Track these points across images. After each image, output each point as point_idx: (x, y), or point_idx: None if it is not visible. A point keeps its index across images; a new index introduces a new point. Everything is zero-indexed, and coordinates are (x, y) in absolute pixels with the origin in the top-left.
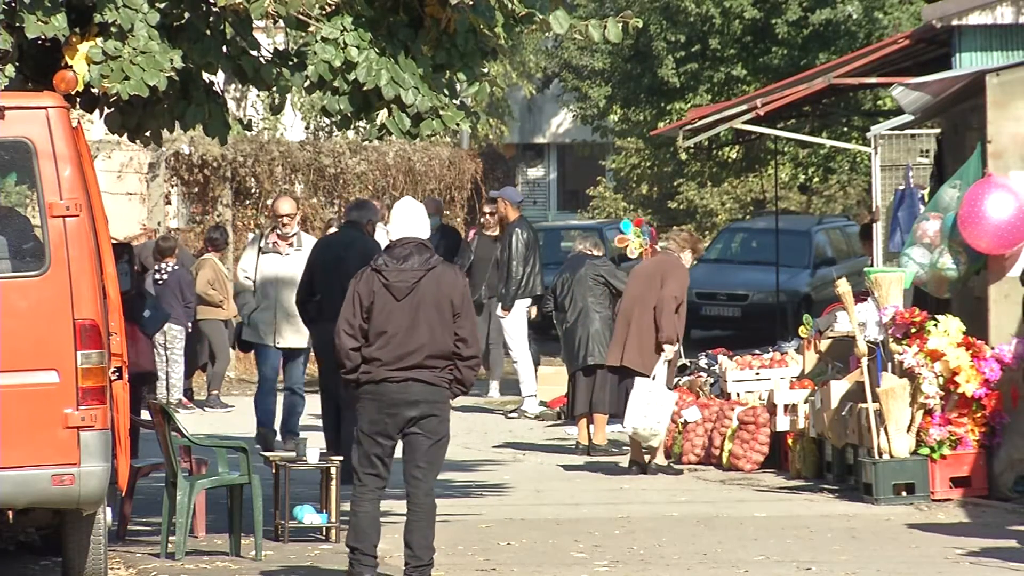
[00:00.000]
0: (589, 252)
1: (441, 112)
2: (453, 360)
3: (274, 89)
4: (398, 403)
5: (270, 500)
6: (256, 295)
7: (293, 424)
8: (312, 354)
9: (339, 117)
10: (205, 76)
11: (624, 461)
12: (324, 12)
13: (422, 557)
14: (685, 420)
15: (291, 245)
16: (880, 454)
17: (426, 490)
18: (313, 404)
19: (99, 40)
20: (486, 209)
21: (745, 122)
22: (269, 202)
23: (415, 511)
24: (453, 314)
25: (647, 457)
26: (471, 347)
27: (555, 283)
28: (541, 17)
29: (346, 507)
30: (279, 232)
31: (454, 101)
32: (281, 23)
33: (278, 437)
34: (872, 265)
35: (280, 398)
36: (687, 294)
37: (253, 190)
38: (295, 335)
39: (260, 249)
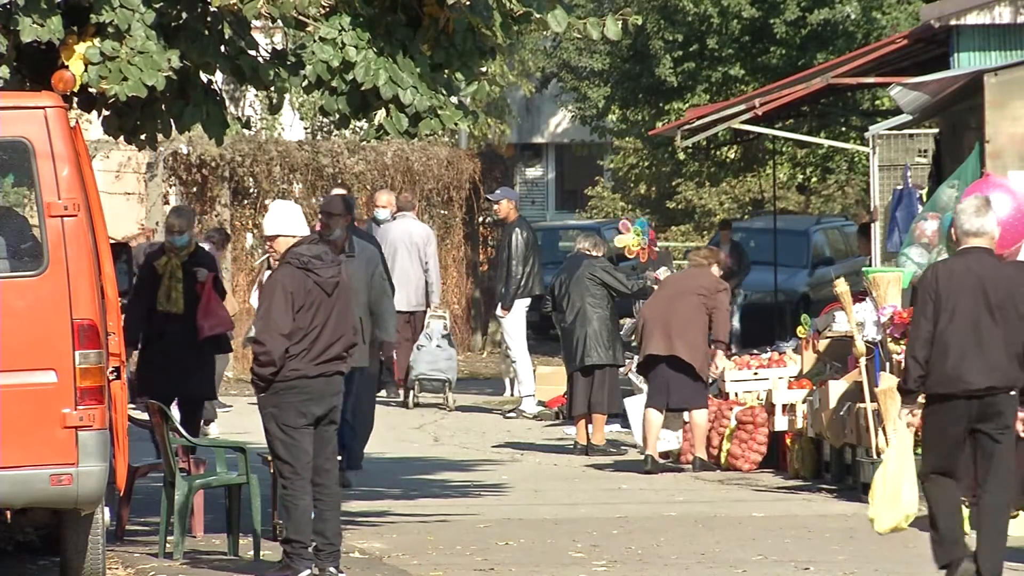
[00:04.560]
0: (588, 252)
1: (439, 111)
2: (350, 349)
3: (272, 89)
4: (325, 395)
5: (268, 500)
6: None
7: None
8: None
9: (337, 117)
10: (203, 76)
11: (623, 460)
12: (322, 12)
13: (336, 543)
14: (684, 420)
15: None
16: (878, 454)
17: (336, 480)
18: None
19: (96, 41)
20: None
21: (743, 122)
22: (268, 202)
23: (328, 501)
24: (354, 303)
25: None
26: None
27: (553, 283)
28: (539, 16)
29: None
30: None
31: (452, 100)
32: (279, 23)
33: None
34: (870, 265)
35: None
36: None
37: (251, 190)
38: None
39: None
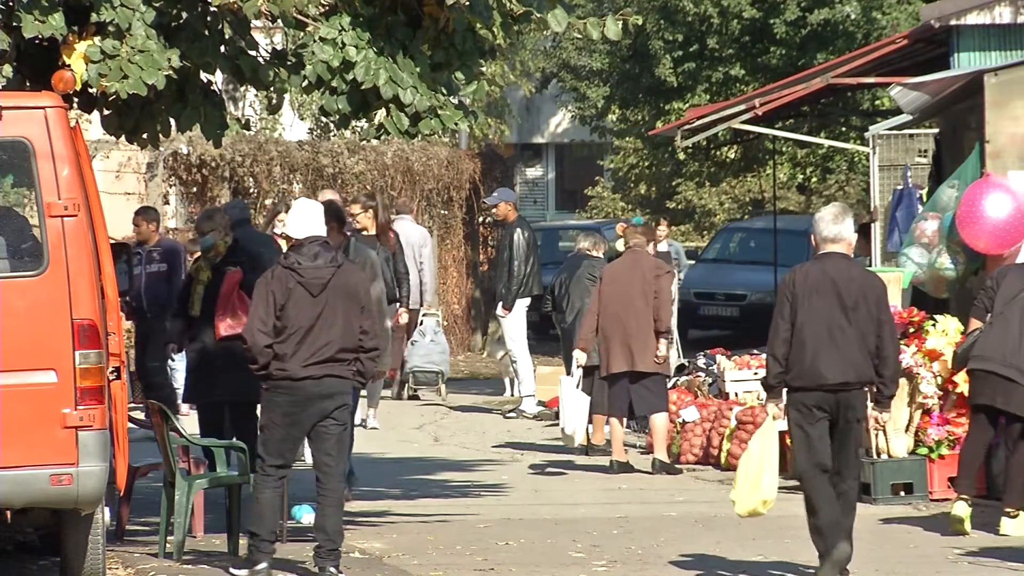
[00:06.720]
0: (588, 252)
1: (439, 111)
2: (357, 353)
3: (272, 89)
4: (314, 397)
5: None
6: None
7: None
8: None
9: (337, 117)
10: (203, 76)
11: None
12: (322, 11)
13: (336, 541)
14: (683, 420)
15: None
16: (878, 454)
17: (337, 477)
18: None
19: (96, 39)
20: (355, 210)
21: (743, 122)
22: (268, 202)
23: (328, 497)
24: (360, 308)
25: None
26: (373, 339)
27: (553, 283)
28: (539, 16)
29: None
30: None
31: (452, 100)
32: (279, 22)
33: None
34: (870, 265)
35: None
36: (686, 294)
37: (251, 190)
38: None
39: None
